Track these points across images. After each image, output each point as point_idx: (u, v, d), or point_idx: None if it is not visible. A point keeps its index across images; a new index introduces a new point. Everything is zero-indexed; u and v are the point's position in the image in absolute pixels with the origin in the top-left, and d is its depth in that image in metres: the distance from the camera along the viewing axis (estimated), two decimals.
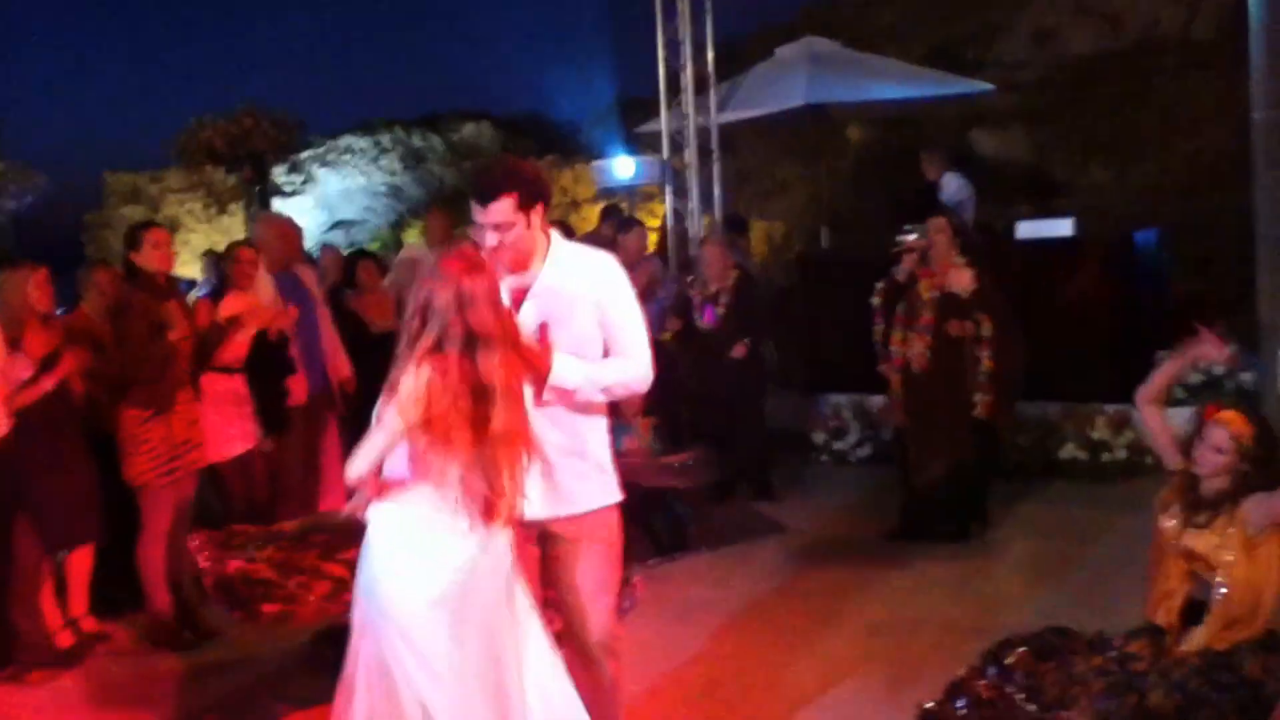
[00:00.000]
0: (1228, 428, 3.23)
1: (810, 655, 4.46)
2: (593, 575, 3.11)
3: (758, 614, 4.99)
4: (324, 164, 16.75)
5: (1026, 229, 7.78)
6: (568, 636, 3.17)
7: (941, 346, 5.76)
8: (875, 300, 6.03)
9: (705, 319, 6.86)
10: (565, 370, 2.97)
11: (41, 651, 4.52)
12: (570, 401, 3.04)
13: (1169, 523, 3.45)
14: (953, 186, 8.89)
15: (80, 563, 4.75)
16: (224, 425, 5.15)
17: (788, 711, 3.98)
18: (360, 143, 16.72)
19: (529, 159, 3.24)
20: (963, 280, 5.76)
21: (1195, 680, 3.18)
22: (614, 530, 3.17)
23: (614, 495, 3.16)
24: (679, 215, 9.16)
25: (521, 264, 3.06)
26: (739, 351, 6.69)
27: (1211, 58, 10.70)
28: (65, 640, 4.65)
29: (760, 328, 6.90)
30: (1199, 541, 3.32)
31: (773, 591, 5.28)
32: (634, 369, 3.10)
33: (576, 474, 3.08)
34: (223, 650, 4.75)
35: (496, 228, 2.95)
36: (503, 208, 2.94)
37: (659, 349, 7.23)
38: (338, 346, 6.14)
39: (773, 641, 4.63)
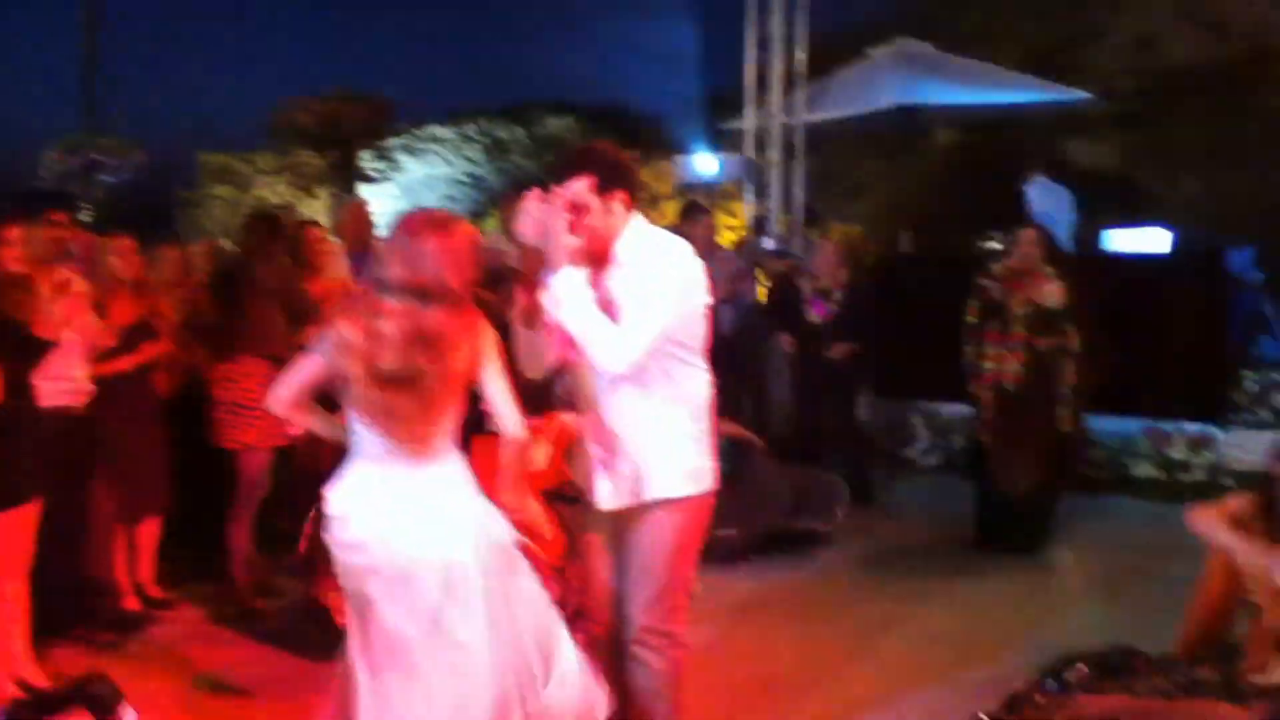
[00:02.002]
0: None
1: (868, 660, 4.41)
2: (639, 564, 3.02)
3: (819, 617, 4.95)
4: (409, 152, 16.97)
5: (1119, 240, 7.58)
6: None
7: (1033, 361, 5.67)
8: (970, 318, 5.91)
9: (815, 312, 6.84)
10: (568, 280, 2.85)
11: (111, 615, 4.65)
12: (644, 389, 2.94)
13: (1244, 544, 3.36)
14: (1045, 196, 8.68)
15: (150, 531, 4.88)
16: None
17: (842, 714, 3.94)
18: (446, 132, 16.91)
19: (614, 147, 3.14)
20: (1053, 293, 5.66)
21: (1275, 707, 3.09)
22: (681, 524, 3.03)
23: (686, 488, 3.01)
24: (761, 217, 9.10)
25: (601, 252, 2.95)
26: (841, 350, 6.66)
27: None
28: (133, 605, 4.77)
29: (868, 329, 6.84)
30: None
31: (835, 595, 5.24)
32: (614, 341, 2.86)
33: (645, 463, 2.98)
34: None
35: (571, 209, 2.89)
36: (576, 188, 2.89)
37: (732, 346, 7.30)
38: None
39: (831, 644, 4.58)
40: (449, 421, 2.87)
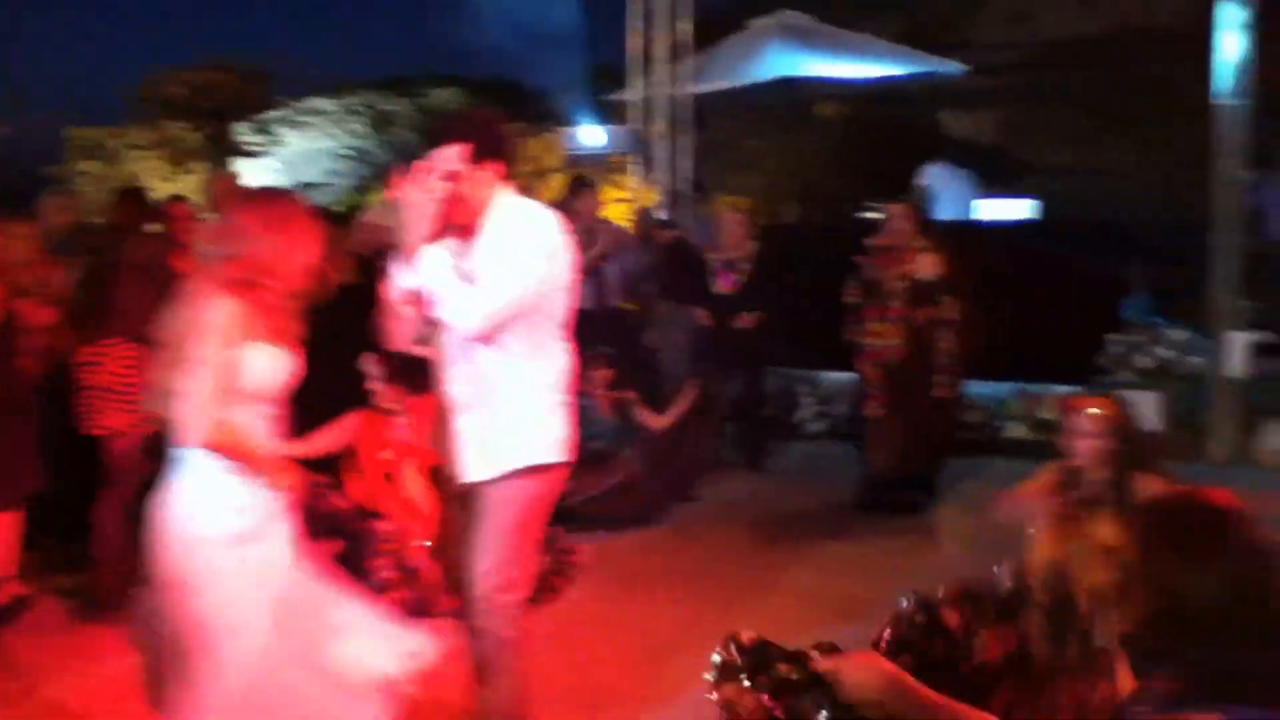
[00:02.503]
0: (1095, 412, 3.41)
1: (748, 622, 4.45)
2: (487, 532, 2.99)
3: (703, 582, 5.01)
4: (290, 125, 16.52)
5: (987, 209, 7.81)
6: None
7: (912, 334, 5.81)
8: (850, 299, 6.04)
9: (722, 284, 6.89)
10: (429, 260, 2.84)
11: None
12: (489, 363, 2.94)
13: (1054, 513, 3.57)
14: (943, 180, 8.90)
15: (11, 524, 4.67)
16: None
17: None
18: (327, 104, 16.50)
19: (490, 116, 3.09)
20: (926, 265, 5.81)
21: None
22: (531, 493, 3.02)
23: (540, 457, 3.01)
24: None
25: (469, 222, 2.92)
26: (748, 320, 6.72)
27: (1184, 47, 10.74)
28: None
29: (774, 300, 6.90)
30: (1101, 530, 3.42)
31: (717, 562, 5.31)
32: (468, 303, 2.84)
33: (490, 436, 2.98)
34: None
35: (444, 176, 2.85)
36: (449, 155, 2.86)
37: (620, 317, 7.33)
38: None
39: (713, 609, 4.66)
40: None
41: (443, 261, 2.87)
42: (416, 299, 2.90)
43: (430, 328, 3.01)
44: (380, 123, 16.47)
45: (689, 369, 7.18)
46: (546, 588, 4.70)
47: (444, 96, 16.67)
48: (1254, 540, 1.77)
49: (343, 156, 16.43)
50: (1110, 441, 3.42)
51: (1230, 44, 6.44)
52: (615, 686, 3.97)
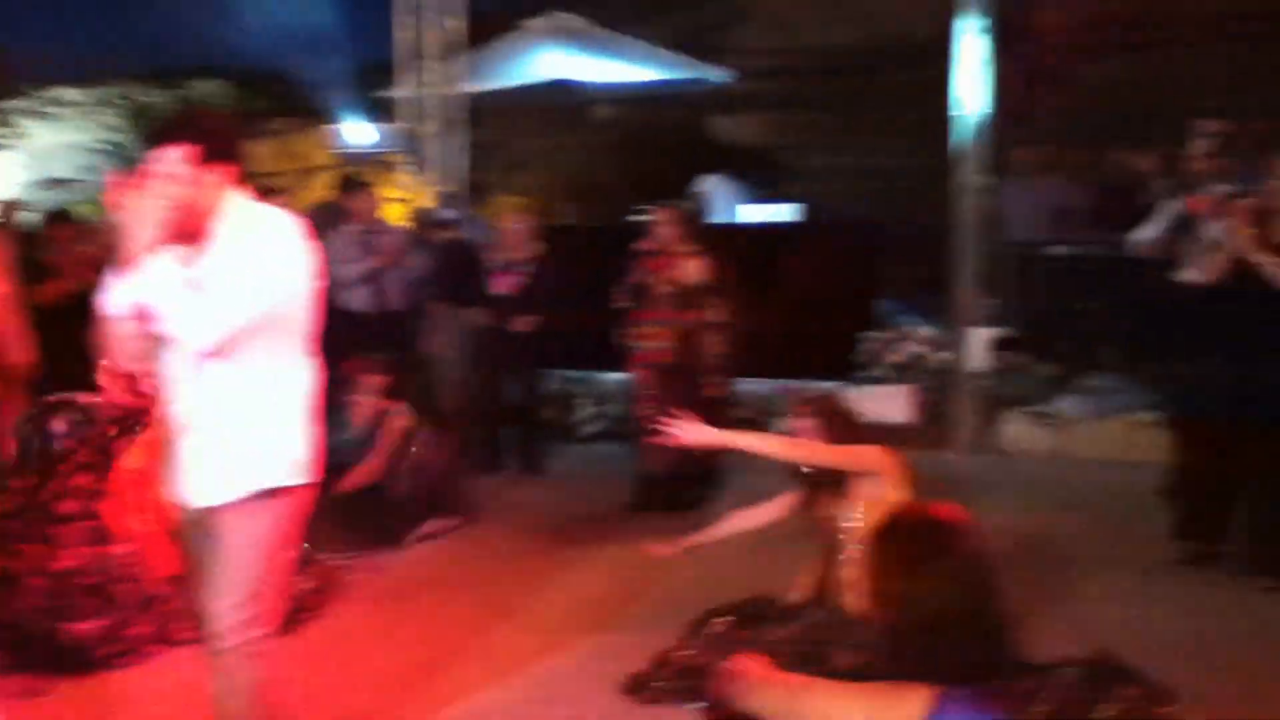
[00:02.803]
0: (807, 416, 3.80)
1: (521, 629, 4.48)
2: (225, 562, 2.82)
3: (475, 591, 4.95)
4: (37, 116, 15.38)
5: (750, 213, 8.07)
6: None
7: (681, 336, 5.93)
8: (620, 304, 6.11)
9: (501, 285, 6.83)
10: (156, 259, 2.64)
11: None
12: (223, 379, 2.76)
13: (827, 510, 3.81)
14: (719, 191, 9.12)
15: None
16: None
17: (500, 685, 3.98)
18: (76, 95, 15.45)
19: (218, 114, 2.90)
20: (692, 270, 5.95)
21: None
22: (273, 518, 2.86)
23: (281, 479, 2.85)
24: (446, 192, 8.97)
25: (196, 229, 2.73)
26: (524, 324, 6.68)
27: (933, 57, 11.41)
28: None
29: (554, 302, 6.86)
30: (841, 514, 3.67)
31: (494, 571, 5.25)
32: (199, 317, 2.66)
33: (223, 457, 2.81)
34: None
35: (168, 181, 2.65)
36: (171, 157, 2.67)
37: (399, 322, 7.17)
38: None
39: (486, 617, 4.61)
40: None
41: (169, 271, 2.66)
42: (139, 313, 2.69)
43: (154, 343, 2.79)
44: (138, 116, 15.55)
45: (467, 373, 7.13)
46: (306, 608, 4.57)
47: (206, 89, 15.90)
48: (975, 550, 1.94)
49: (97, 151, 15.42)
50: (825, 432, 3.73)
51: (968, 55, 6.86)
52: (387, 704, 3.86)
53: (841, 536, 3.69)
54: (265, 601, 2.91)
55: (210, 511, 2.84)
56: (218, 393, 2.79)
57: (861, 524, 3.54)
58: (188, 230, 2.72)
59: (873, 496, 3.53)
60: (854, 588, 3.51)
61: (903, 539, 1.97)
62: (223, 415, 2.80)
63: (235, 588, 2.83)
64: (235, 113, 15.45)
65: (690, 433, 3.80)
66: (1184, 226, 5.50)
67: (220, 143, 2.75)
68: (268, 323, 2.75)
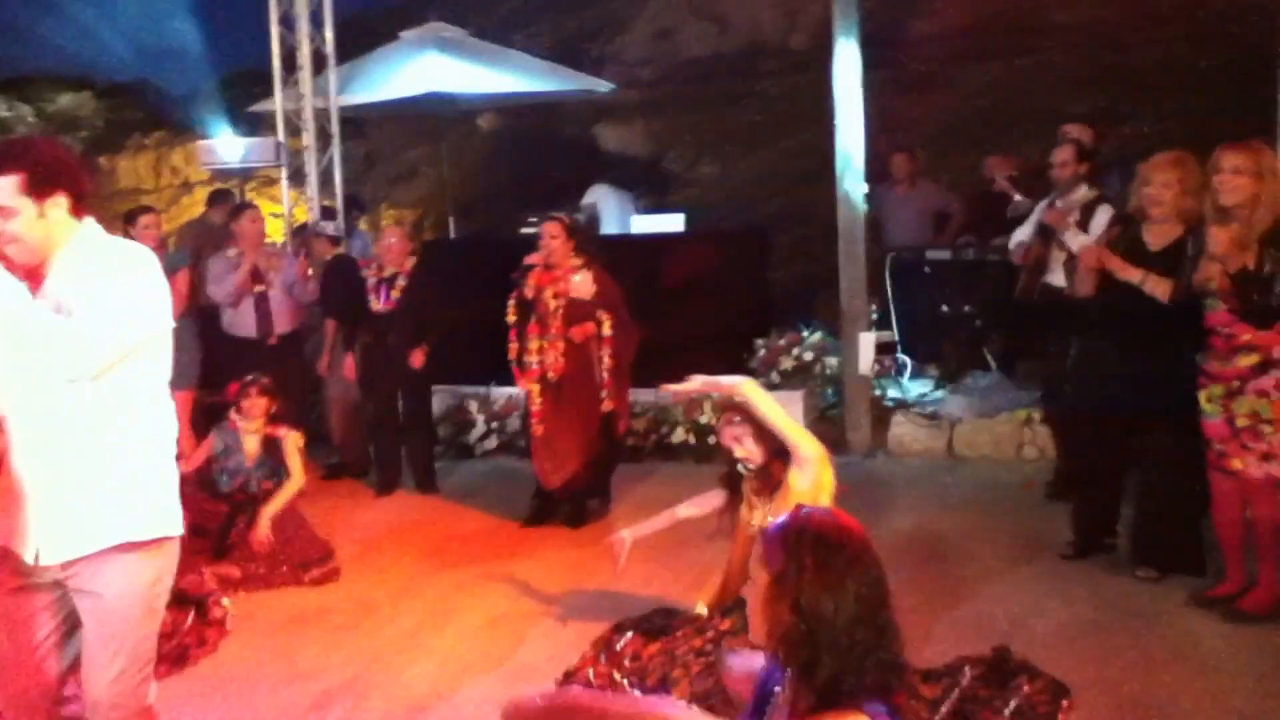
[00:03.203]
0: (736, 413, 3.84)
1: (427, 656, 4.37)
2: (101, 628, 2.62)
3: (376, 621, 4.81)
4: None
5: (641, 224, 8.07)
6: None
7: (572, 350, 5.88)
8: (510, 318, 6.03)
9: (381, 302, 6.72)
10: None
11: None
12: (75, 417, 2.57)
13: (748, 514, 3.85)
14: (607, 200, 9.08)
15: None
16: None
17: (404, 717, 3.88)
18: None
19: (51, 142, 2.71)
20: (582, 283, 5.91)
21: None
22: (149, 573, 2.67)
23: (150, 531, 2.65)
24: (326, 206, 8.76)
25: (33, 264, 2.56)
26: (418, 360, 6.63)
27: (809, 63, 11.63)
28: None
29: (435, 315, 6.73)
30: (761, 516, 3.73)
31: (390, 594, 5.12)
32: (76, 337, 2.49)
33: (82, 506, 2.59)
34: None
35: None
36: (1, 187, 2.50)
37: (285, 343, 6.97)
38: None
39: (390, 647, 4.49)
40: None
41: (22, 295, 2.48)
42: None
43: None
44: None
45: (358, 392, 6.97)
46: (198, 642, 4.39)
47: (72, 101, 15.32)
48: (874, 560, 2.01)
49: None
50: (757, 436, 3.77)
51: (844, 63, 6.97)
52: None
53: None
54: (147, 670, 2.72)
55: (67, 571, 2.62)
56: (68, 434, 2.57)
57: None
58: (22, 264, 2.56)
59: (803, 496, 3.52)
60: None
61: (818, 546, 1.98)
62: (80, 460, 2.58)
63: (113, 660, 2.62)
64: (102, 125, 14.90)
65: (699, 380, 3.83)
66: (1047, 232, 5.71)
67: (52, 171, 2.57)
68: (129, 358, 2.59)
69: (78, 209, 2.62)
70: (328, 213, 8.69)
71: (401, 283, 6.73)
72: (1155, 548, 4.79)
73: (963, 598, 4.69)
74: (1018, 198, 7.01)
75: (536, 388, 5.97)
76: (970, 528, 5.67)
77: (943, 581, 4.86)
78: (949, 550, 5.36)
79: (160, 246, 6.77)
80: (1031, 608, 4.53)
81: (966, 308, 7.91)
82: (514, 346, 6.03)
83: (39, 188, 2.53)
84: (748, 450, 3.83)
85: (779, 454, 3.75)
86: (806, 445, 3.67)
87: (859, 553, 1.99)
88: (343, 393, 7.17)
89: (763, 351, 7.49)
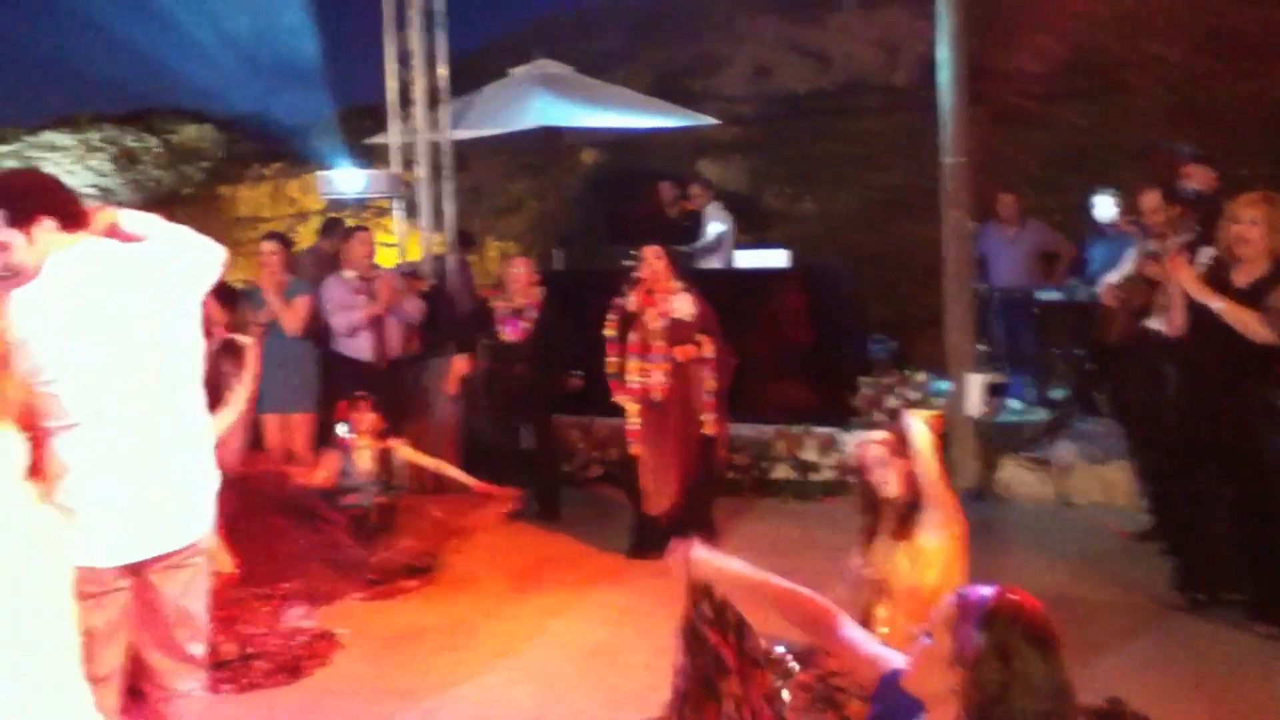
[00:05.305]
0: (876, 441, 3.71)
1: (529, 678, 4.43)
2: (181, 610, 2.94)
3: (476, 638, 4.90)
4: (22, 160, 15.29)
5: (744, 258, 8.09)
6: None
7: (676, 371, 5.91)
8: (609, 332, 6.08)
9: (509, 333, 6.82)
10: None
11: None
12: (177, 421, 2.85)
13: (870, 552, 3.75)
14: (716, 217, 9.18)
15: None
16: None
17: None
18: (65, 139, 15.40)
19: (25, 174, 2.93)
20: (684, 305, 5.95)
21: None
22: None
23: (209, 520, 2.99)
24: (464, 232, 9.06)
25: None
26: (576, 384, 6.82)
27: (908, 101, 11.57)
28: None
29: (564, 346, 6.84)
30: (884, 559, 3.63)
31: (491, 614, 5.21)
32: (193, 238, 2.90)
33: (180, 502, 2.87)
34: None
35: None
36: None
37: (399, 368, 7.14)
38: None
39: (484, 662, 4.57)
40: None
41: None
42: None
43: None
44: (126, 160, 15.52)
45: (477, 419, 7.08)
46: (310, 654, 4.52)
47: (193, 134, 15.91)
48: (1057, 641, 1.99)
49: (86, 196, 15.35)
50: (904, 462, 3.59)
51: (945, 99, 6.93)
52: None
53: (876, 580, 3.61)
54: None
55: (175, 556, 2.86)
56: (157, 430, 2.80)
57: (905, 573, 3.49)
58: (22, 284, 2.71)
59: (928, 547, 3.46)
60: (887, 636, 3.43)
61: (1014, 629, 1.97)
62: (163, 453, 2.81)
63: (191, 636, 2.94)
64: (223, 155, 15.45)
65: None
66: (1145, 276, 5.56)
67: (28, 199, 2.71)
68: (176, 358, 2.87)
69: (68, 226, 2.75)
70: (466, 238, 8.93)
71: (532, 314, 6.83)
72: (1275, 604, 4.63)
73: (1074, 647, 4.55)
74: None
75: (637, 407, 6.00)
76: (1081, 575, 5.54)
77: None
78: (1059, 598, 5.22)
79: (287, 271, 6.95)
80: (1144, 660, 4.41)
81: (1077, 350, 7.75)
82: (613, 361, 6.07)
83: (19, 218, 2.68)
84: (888, 481, 3.69)
85: (915, 504, 3.63)
86: (943, 513, 3.54)
87: (1053, 640, 1.98)
88: (454, 418, 7.28)
89: (868, 390, 7.42)
